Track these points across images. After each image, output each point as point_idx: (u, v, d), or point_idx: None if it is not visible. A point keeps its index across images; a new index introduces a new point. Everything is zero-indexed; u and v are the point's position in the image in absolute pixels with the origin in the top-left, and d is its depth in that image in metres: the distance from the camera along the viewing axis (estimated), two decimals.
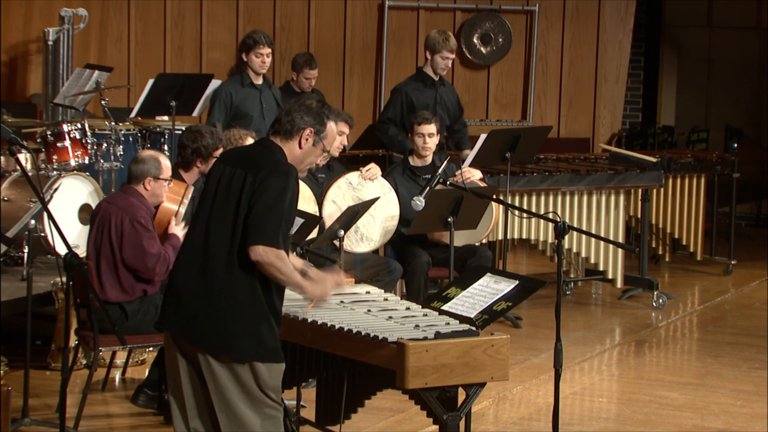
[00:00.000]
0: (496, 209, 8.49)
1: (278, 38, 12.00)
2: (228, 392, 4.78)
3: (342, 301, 5.56)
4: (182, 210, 6.84)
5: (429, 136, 8.41)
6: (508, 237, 9.19)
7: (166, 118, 9.61)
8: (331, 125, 4.95)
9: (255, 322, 4.75)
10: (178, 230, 6.80)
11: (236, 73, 9.21)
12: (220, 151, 7.05)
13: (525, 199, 9.35)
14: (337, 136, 7.92)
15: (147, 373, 6.87)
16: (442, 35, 9.26)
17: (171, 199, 6.84)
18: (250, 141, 7.16)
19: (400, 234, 8.33)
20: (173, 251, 6.62)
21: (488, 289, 5.51)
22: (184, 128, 7.65)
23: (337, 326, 5.13)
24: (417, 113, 8.57)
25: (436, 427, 5.09)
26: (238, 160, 4.88)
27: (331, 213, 7.87)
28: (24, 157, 8.25)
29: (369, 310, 5.39)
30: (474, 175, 8.53)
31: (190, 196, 6.89)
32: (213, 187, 4.87)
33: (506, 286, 5.48)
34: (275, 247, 4.70)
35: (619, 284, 9.84)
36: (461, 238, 8.32)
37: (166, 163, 6.78)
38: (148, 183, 6.70)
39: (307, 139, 4.90)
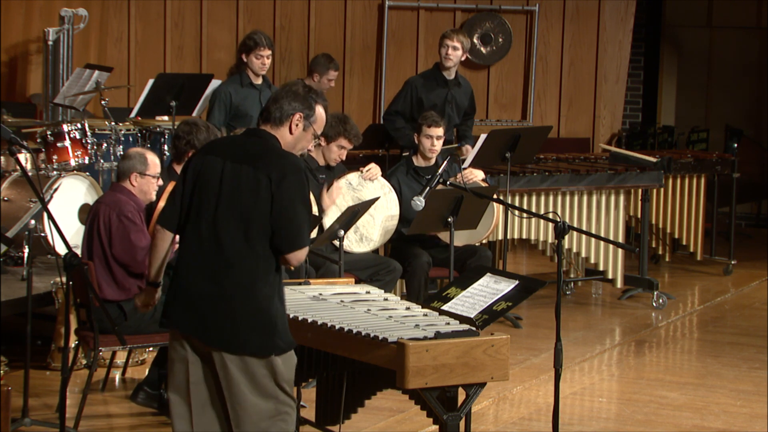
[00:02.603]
0: (497, 210, 8.49)
1: (278, 38, 12.00)
2: (243, 390, 4.74)
3: (342, 301, 5.57)
4: None
5: (437, 139, 8.43)
6: (508, 237, 9.19)
7: (166, 118, 9.61)
8: (319, 109, 4.90)
9: (271, 318, 4.74)
10: None
11: (236, 73, 9.21)
12: None
13: (525, 199, 9.34)
14: (337, 149, 7.97)
15: (147, 372, 6.87)
16: (449, 29, 9.41)
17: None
18: None
19: (400, 234, 8.33)
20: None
21: (488, 289, 5.51)
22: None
23: (337, 326, 5.13)
24: (426, 114, 8.54)
25: (436, 427, 5.09)
26: (237, 155, 4.79)
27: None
28: (24, 157, 8.25)
29: (369, 310, 5.39)
30: (477, 176, 8.53)
31: None
32: (214, 184, 4.77)
33: (506, 286, 5.48)
34: (308, 245, 4.81)
35: (619, 284, 9.83)
36: (462, 238, 8.32)
37: (153, 160, 6.76)
38: (134, 179, 6.70)
39: (297, 125, 4.86)
